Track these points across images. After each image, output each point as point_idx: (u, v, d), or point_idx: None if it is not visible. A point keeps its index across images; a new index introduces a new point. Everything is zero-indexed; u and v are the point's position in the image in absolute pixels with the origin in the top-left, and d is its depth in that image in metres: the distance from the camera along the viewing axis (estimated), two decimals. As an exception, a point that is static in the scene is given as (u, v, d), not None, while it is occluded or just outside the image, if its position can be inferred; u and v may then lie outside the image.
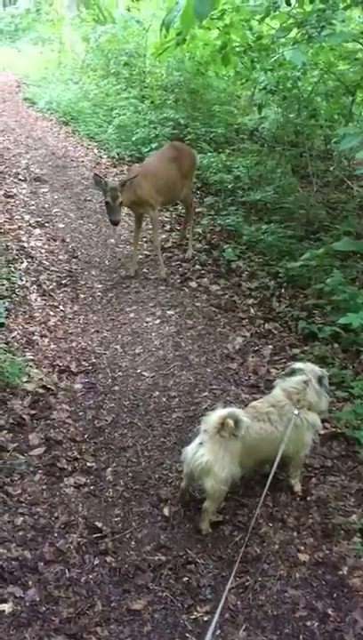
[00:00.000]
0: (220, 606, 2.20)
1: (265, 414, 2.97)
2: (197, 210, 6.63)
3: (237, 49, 6.35)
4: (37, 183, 7.94)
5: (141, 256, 6.04)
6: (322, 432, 3.54)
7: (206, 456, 2.76)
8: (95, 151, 9.59)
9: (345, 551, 2.80)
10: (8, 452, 3.27)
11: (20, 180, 7.91)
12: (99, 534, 2.85)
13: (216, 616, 2.16)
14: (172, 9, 3.37)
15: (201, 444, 2.81)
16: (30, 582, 2.57)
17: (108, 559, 2.73)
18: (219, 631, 2.42)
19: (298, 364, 3.20)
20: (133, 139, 8.87)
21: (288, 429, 2.91)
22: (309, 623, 2.48)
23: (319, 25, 4.59)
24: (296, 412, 2.97)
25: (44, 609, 2.47)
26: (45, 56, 15.91)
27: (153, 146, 8.33)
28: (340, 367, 4.07)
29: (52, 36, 16.64)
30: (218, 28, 6.41)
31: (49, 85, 13.40)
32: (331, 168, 7.08)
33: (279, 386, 3.13)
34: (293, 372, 3.12)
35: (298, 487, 3.13)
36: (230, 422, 2.75)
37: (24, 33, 21.50)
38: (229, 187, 7.01)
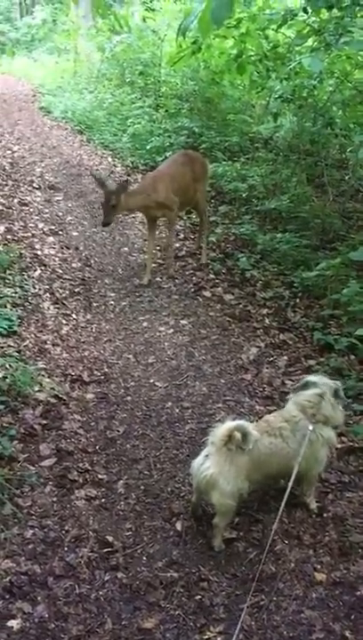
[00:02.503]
0: (238, 628, 2.12)
1: (277, 429, 2.89)
2: (211, 218, 6.58)
3: (253, 57, 6.34)
4: (52, 191, 7.97)
5: (154, 265, 6.00)
6: (339, 446, 3.46)
7: (211, 469, 2.69)
8: (109, 160, 9.60)
9: (363, 571, 2.71)
10: (18, 462, 3.22)
11: (34, 187, 7.93)
12: (110, 549, 2.78)
13: (234, 637, 2.08)
14: (189, 14, 3.33)
15: (207, 456, 2.75)
16: (39, 598, 2.51)
17: (119, 575, 2.66)
18: (233, 653, 2.34)
19: (311, 377, 3.09)
20: (148, 147, 8.87)
21: (304, 446, 2.82)
22: (326, 646, 2.39)
23: (337, 32, 4.55)
24: (311, 427, 2.89)
25: (52, 626, 2.41)
26: (61, 66, 16.09)
27: (167, 154, 8.29)
28: (357, 379, 3.99)
29: (67, 46, 16.84)
30: (234, 36, 6.40)
31: (64, 94, 13.52)
32: (347, 177, 7.01)
33: (292, 400, 3.04)
34: (306, 386, 3.03)
35: (313, 505, 3.03)
36: (238, 435, 2.68)
37: (40, 43, 21.81)
38: (244, 195, 6.97)
